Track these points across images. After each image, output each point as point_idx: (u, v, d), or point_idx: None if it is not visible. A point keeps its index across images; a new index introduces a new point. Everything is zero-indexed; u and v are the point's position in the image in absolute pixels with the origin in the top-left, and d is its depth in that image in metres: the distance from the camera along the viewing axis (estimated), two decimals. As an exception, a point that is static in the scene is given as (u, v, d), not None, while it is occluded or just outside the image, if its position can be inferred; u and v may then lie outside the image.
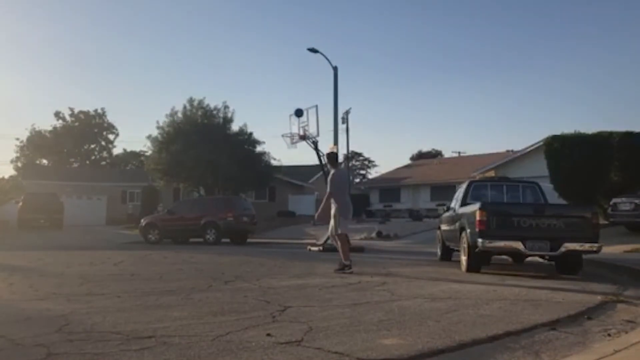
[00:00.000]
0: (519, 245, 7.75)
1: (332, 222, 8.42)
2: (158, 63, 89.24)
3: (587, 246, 7.66)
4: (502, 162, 28.26)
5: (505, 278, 7.61)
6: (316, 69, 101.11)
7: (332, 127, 18.51)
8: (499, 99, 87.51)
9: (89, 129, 58.82)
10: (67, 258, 11.25)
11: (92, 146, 60.51)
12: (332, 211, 8.38)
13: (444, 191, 33.59)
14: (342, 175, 8.63)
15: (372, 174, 63.44)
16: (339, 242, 8.36)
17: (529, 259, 9.12)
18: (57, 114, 58.34)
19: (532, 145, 25.15)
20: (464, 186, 10.42)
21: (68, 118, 58.66)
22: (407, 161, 56.10)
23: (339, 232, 8.34)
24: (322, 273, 8.19)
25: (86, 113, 59.04)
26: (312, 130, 15.66)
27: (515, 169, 25.05)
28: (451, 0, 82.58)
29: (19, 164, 54.07)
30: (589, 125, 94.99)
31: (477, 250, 8.05)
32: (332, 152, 9.03)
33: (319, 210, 8.77)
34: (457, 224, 9.20)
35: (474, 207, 8.22)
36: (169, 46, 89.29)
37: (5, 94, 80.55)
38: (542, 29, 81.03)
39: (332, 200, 8.39)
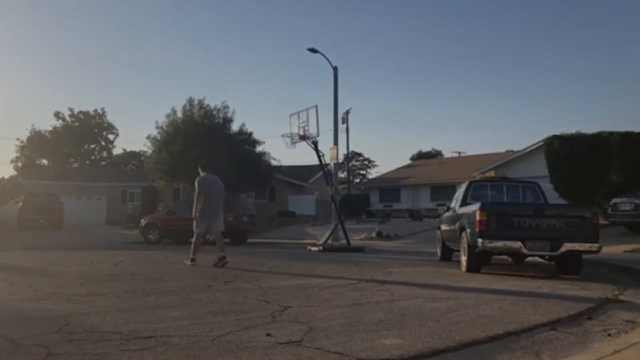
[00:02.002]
0: (519, 245, 7.74)
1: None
2: (158, 63, 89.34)
3: (587, 246, 7.65)
4: (502, 162, 28.25)
5: (505, 278, 7.61)
6: (316, 69, 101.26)
7: (332, 127, 18.52)
8: (499, 98, 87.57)
9: (89, 129, 58.82)
10: (67, 258, 11.24)
11: (92, 146, 60.51)
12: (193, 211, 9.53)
13: (444, 191, 33.59)
14: (208, 180, 9.61)
15: (372, 174, 63.48)
16: (194, 238, 9.55)
17: (529, 259, 9.12)
18: (57, 114, 58.44)
19: (532, 145, 25.15)
20: (464, 186, 10.42)
21: (68, 118, 58.68)
22: (407, 161, 56.16)
23: (196, 229, 9.50)
24: (322, 273, 8.19)
25: (86, 113, 59.05)
26: (312, 130, 15.65)
27: (515, 169, 25.06)
28: (451, 1, 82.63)
29: (19, 164, 54.04)
30: (589, 125, 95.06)
31: (477, 250, 8.05)
32: (203, 162, 10.41)
33: (194, 206, 9.66)
34: (457, 224, 9.20)
35: (474, 207, 8.22)
36: (169, 46, 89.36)
37: (5, 94, 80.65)
38: (543, 29, 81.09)
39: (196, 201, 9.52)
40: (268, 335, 3.65)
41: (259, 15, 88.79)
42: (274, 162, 29.87)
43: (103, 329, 3.88)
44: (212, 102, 38.78)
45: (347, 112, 40.73)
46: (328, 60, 19.01)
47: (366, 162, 68.02)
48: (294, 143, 16.22)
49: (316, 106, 15.79)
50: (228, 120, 28.53)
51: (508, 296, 5.66)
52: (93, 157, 60.33)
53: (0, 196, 31.81)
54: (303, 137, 15.78)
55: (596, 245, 7.67)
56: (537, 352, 3.39)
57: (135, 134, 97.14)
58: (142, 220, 20.20)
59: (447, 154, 58.78)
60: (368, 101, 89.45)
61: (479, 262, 8.37)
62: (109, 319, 4.24)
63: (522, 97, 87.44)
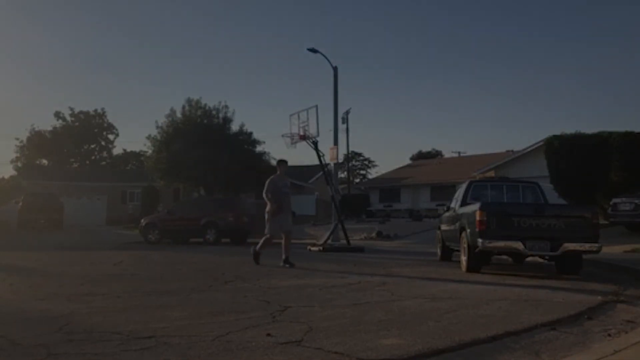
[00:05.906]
0: (519, 245, 7.74)
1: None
2: (158, 63, 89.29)
3: (587, 246, 7.64)
4: (502, 162, 28.26)
5: (505, 278, 7.61)
6: (316, 69, 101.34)
7: (332, 127, 18.50)
8: (500, 98, 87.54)
9: (89, 129, 58.76)
10: (67, 258, 11.25)
11: (92, 146, 60.44)
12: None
13: (444, 191, 33.61)
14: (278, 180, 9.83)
15: (372, 174, 63.48)
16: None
17: (529, 259, 9.12)
18: (57, 114, 58.33)
19: (532, 145, 25.17)
20: (464, 186, 10.41)
21: (68, 118, 58.61)
22: (407, 161, 56.21)
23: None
24: (322, 273, 8.19)
25: (86, 113, 59.00)
26: (312, 130, 15.63)
27: (515, 169, 25.06)
28: (451, 1, 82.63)
29: (19, 164, 53.96)
30: (589, 125, 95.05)
31: (477, 250, 8.05)
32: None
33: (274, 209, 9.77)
34: (457, 224, 9.20)
35: (474, 207, 8.22)
36: (169, 46, 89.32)
37: (5, 94, 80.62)
38: (542, 29, 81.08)
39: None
40: (268, 335, 3.65)
41: (259, 15, 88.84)
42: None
43: (103, 329, 3.88)
44: (212, 102, 38.89)
45: (347, 112, 40.80)
46: (328, 60, 19.00)
47: (366, 162, 68.09)
48: (294, 143, 16.21)
49: (316, 106, 15.78)
50: (228, 120, 28.55)
51: (508, 296, 5.66)
52: (93, 157, 60.27)
53: (0, 196, 31.82)
54: (303, 137, 15.77)
55: (596, 245, 7.66)
56: (537, 352, 3.39)
57: (135, 134, 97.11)
58: (142, 220, 20.18)
59: (447, 154, 58.85)
60: (368, 101, 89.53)
61: (479, 262, 8.37)
62: (109, 319, 4.25)
63: (522, 97, 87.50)
